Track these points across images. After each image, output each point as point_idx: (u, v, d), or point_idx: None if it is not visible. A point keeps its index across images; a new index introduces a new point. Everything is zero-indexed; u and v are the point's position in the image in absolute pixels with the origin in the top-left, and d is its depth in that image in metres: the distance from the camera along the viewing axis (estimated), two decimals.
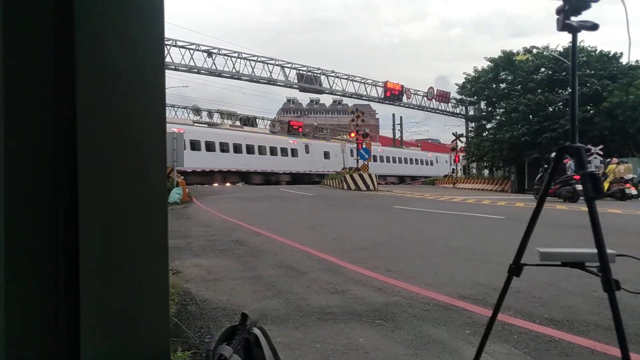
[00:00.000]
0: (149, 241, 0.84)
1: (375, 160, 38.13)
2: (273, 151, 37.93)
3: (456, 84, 34.93)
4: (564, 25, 1.74)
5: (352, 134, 29.11)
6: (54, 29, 0.67)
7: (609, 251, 1.65)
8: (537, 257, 1.85)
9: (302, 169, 39.73)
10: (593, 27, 1.72)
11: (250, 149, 36.01)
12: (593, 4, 1.76)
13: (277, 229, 8.44)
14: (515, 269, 1.89)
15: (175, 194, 14.77)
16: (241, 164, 34.70)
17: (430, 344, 2.81)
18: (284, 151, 38.92)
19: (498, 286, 4.34)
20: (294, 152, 39.86)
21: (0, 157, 0.64)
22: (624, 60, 28.45)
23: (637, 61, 28.49)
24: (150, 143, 0.83)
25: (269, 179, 36.70)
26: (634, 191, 17.37)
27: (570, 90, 1.86)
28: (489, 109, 33.50)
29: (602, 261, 1.59)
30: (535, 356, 2.59)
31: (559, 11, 1.76)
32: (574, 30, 1.74)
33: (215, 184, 31.34)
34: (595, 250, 1.63)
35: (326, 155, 42.28)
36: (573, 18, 1.74)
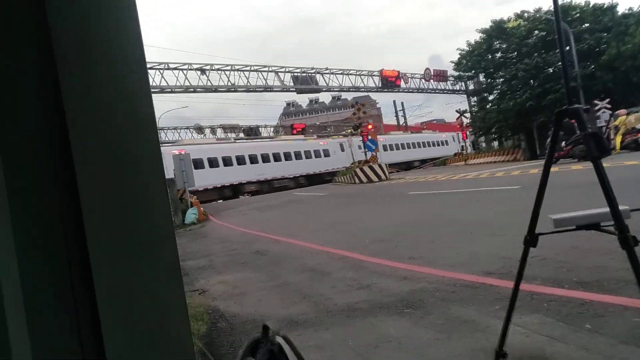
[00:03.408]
0: (160, 266, 0.85)
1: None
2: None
3: (451, 62, 34.70)
4: None
5: (370, 126, 28.27)
6: (36, 65, 0.69)
7: (622, 207, 1.63)
8: (551, 225, 1.84)
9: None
10: None
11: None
12: None
13: (296, 233, 8.46)
14: (531, 239, 1.88)
15: (191, 215, 14.88)
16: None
17: (461, 325, 2.80)
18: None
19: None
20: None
21: (5, 210, 0.66)
22: (619, 11, 28.11)
23: (630, 9, 28.07)
24: (147, 169, 0.84)
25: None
26: None
27: (559, 52, 1.84)
28: (489, 80, 33.19)
29: (616, 219, 1.57)
30: (568, 322, 2.57)
31: None
32: None
33: None
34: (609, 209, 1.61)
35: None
36: None
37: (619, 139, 17.65)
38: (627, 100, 22.35)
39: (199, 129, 45.93)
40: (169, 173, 24.52)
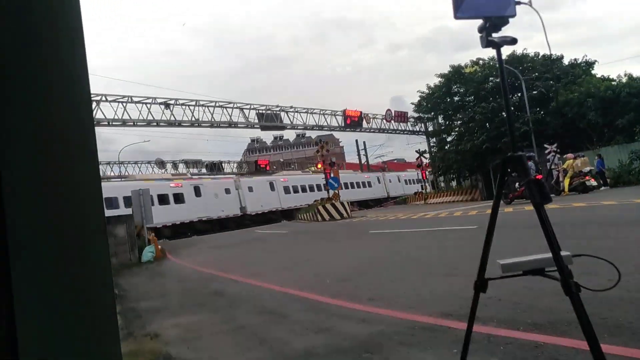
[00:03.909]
0: (95, 325, 0.80)
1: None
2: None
3: (412, 103, 35.93)
4: (487, 42, 1.82)
5: (319, 165, 29.36)
6: None
7: (564, 253, 1.68)
8: (499, 270, 1.87)
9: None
10: (513, 41, 1.82)
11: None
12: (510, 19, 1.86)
13: (255, 273, 8.28)
14: (480, 285, 1.91)
15: (148, 253, 14.38)
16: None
17: None
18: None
19: (480, 298, 4.36)
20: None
21: None
22: (565, 61, 30.22)
23: (575, 59, 30.23)
24: (87, 212, 0.80)
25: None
26: (593, 183, 18.02)
27: (504, 102, 1.93)
28: (447, 122, 34.44)
29: (558, 266, 1.62)
30: None
31: (481, 29, 1.84)
32: (497, 45, 1.83)
33: None
34: None
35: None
36: (495, 35, 1.83)
37: (567, 181, 18.53)
38: (574, 144, 23.68)
39: (161, 163, 45.16)
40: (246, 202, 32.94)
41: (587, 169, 18.31)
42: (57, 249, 0.73)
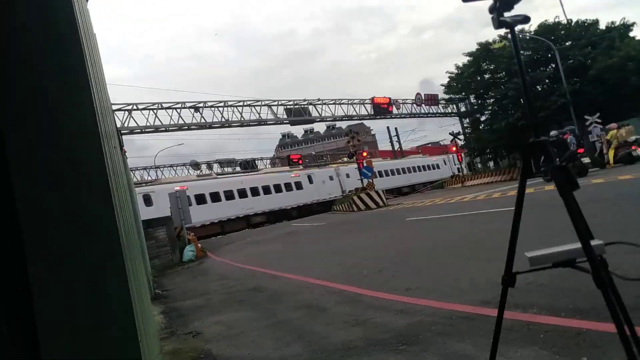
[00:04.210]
0: (112, 321, 0.82)
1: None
2: None
3: (441, 85, 35.20)
4: (499, 22, 1.76)
5: (365, 153, 28.88)
6: None
7: (596, 242, 1.60)
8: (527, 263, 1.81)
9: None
10: (525, 19, 1.75)
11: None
12: None
13: (293, 267, 8.36)
14: (508, 279, 1.85)
15: (188, 252, 14.77)
16: None
17: None
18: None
19: (520, 283, 4.24)
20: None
21: None
22: (602, 25, 28.78)
23: (612, 22, 28.73)
24: (97, 211, 0.83)
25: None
26: None
27: (522, 84, 1.85)
28: (479, 101, 33.57)
29: (588, 257, 1.54)
30: (564, 354, 2.50)
31: (492, 9, 1.77)
32: (509, 25, 1.76)
33: None
34: None
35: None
36: (506, 14, 1.76)
37: (611, 153, 17.71)
38: (617, 113, 22.59)
39: (196, 165, 46.09)
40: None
41: (633, 138, 17.40)
42: (72, 250, 0.76)
